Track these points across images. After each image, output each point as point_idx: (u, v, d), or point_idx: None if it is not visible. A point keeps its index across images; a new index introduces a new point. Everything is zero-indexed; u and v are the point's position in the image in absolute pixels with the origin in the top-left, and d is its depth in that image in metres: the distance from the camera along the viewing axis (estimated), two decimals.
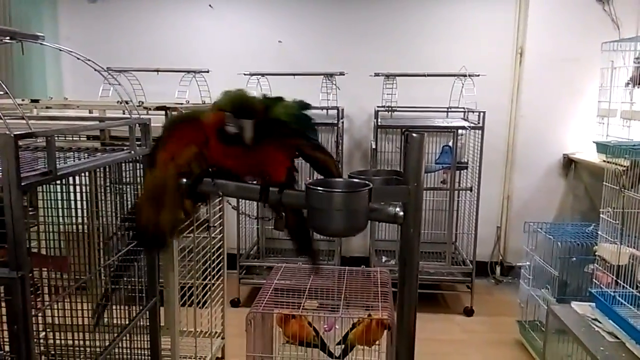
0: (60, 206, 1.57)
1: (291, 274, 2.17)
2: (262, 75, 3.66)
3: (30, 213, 1.78)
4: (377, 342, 1.78)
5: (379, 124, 3.43)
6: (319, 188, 0.98)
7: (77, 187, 1.62)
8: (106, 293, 1.61)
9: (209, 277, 2.47)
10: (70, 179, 1.34)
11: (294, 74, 3.64)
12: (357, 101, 3.96)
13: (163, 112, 1.69)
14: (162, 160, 1.10)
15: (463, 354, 3.12)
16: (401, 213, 1.05)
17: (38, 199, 1.77)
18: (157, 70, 3.75)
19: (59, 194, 1.39)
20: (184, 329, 2.26)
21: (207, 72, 3.73)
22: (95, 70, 2.54)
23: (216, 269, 2.52)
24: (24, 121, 1.61)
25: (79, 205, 1.62)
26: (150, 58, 3.95)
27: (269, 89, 3.87)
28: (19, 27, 3.77)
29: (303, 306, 1.83)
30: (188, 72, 3.71)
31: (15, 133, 1.02)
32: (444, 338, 3.25)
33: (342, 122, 3.91)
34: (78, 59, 1.88)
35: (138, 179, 1.59)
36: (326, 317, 1.84)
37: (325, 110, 3.58)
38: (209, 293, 2.43)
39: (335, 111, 3.54)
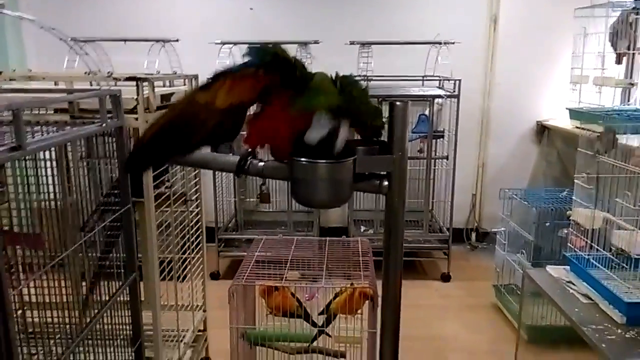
0: (31, 182, 1.51)
1: (271, 245, 2.16)
2: (234, 44, 3.57)
3: None
4: (359, 311, 1.79)
5: None
6: (302, 159, 0.96)
7: (48, 163, 1.56)
8: (95, 271, 1.57)
9: (188, 251, 2.44)
10: (41, 154, 1.28)
11: (266, 43, 3.55)
12: (333, 71, 3.89)
13: (134, 83, 1.62)
14: (219, 91, 0.98)
15: (442, 318, 3.19)
16: (386, 183, 1.05)
17: (7, 175, 1.70)
18: (125, 40, 3.62)
19: (30, 170, 1.33)
20: (165, 303, 2.24)
21: (177, 41, 3.62)
22: (61, 39, 2.43)
23: (195, 243, 2.49)
24: None
25: (49, 181, 1.56)
26: (117, 27, 3.80)
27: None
28: None
29: (285, 277, 1.83)
30: (157, 41, 3.60)
31: None
32: (422, 303, 3.31)
33: None
34: (41, 27, 1.79)
35: (110, 152, 1.54)
36: (309, 288, 1.84)
37: None
38: (188, 267, 2.41)
39: None
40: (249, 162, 1.03)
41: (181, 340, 2.23)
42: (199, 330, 2.48)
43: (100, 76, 1.63)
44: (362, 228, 3.76)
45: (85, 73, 1.71)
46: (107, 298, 1.50)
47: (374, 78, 3.53)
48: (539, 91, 3.98)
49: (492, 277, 3.28)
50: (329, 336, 1.80)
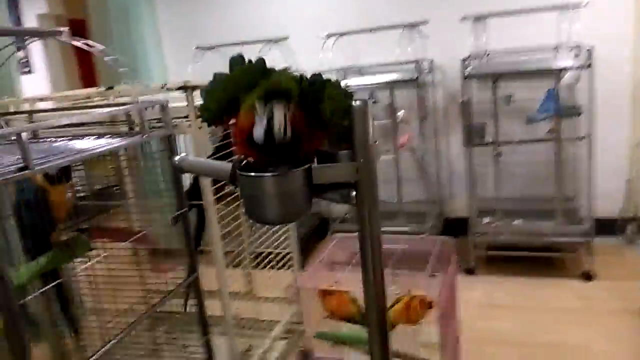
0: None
1: (346, 244, 2.09)
2: (340, 35, 3.51)
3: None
4: (419, 322, 1.64)
5: (466, 73, 3.10)
6: (243, 173, 0.88)
7: None
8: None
9: (282, 245, 2.50)
10: None
11: (370, 29, 3.44)
12: (449, 50, 3.61)
13: (184, 92, 1.69)
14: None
15: (575, 323, 2.77)
16: (353, 193, 0.92)
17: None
18: (242, 43, 3.80)
19: None
20: (259, 295, 2.34)
21: (286, 39, 3.69)
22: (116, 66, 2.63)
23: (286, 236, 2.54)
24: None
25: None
26: (236, 31, 4.01)
27: (355, 50, 3.72)
28: (118, 15, 4.08)
29: (342, 280, 1.76)
30: (268, 41, 3.71)
31: None
32: (554, 306, 2.92)
33: (432, 76, 3.62)
34: (106, 58, 1.95)
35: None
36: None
37: (413, 65, 3.32)
38: (285, 259, 2.47)
39: (418, 65, 3.28)
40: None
41: (268, 330, 2.30)
42: (294, 323, 2.52)
43: (155, 88, 1.73)
44: (485, 219, 3.44)
45: (161, 87, 1.81)
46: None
47: (489, 54, 3.18)
48: None
49: None
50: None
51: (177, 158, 1.10)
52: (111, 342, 1.46)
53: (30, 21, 5.26)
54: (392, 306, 1.66)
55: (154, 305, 1.70)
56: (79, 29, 5.51)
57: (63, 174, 1.73)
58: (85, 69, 5.49)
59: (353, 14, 3.82)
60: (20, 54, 5.24)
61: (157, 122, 1.66)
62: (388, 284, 1.76)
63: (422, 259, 1.91)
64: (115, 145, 1.44)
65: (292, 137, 0.84)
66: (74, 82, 5.69)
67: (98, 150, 1.36)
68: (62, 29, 1.70)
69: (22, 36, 1.73)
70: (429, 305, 1.57)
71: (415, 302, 1.61)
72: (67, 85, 5.51)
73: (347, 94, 0.94)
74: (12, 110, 2.18)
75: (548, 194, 3.34)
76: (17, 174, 1.16)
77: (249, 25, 4.05)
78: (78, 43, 1.57)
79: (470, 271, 3.28)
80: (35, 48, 5.20)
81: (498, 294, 3.05)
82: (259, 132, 0.84)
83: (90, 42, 1.61)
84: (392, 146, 3.41)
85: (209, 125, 0.91)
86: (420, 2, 3.62)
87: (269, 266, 2.43)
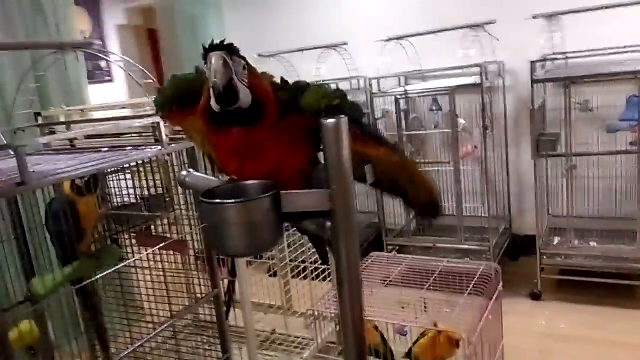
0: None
1: (381, 263, 1.95)
2: (399, 38, 3.34)
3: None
4: None
5: (535, 77, 2.82)
6: (206, 200, 0.78)
7: None
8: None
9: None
10: None
11: (432, 32, 3.24)
12: (520, 51, 3.32)
13: None
14: None
15: None
16: (328, 223, 0.80)
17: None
18: (301, 50, 3.75)
19: None
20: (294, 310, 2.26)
21: (345, 44, 3.58)
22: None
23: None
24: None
25: None
26: (296, 38, 3.94)
27: (416, 54, 3.53)
28: (186, 25, 4.17)
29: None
30: (327, 47, 3.62)
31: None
32: (632, 342, 2.57)
33: (501, 80, 3.36)
34: (125, 70, 1.95)
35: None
36: (386, 323, 1.59)
37: (479, 68, 3.08)
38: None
39: (483, 69, 3.03)
40: None
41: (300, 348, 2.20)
42: (330, 343, 2.40)
43: None
44: (557, 239, 3.12)
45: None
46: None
47: (558, 57, 2.89)
48: None
49: None
50: None
51: (183, 173, 1.03)
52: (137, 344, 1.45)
53: (110, 31, 5.56)
54: (417, 341, 1.50)
55: (179, 312, 1.67)
56: (152, 38, 5.75)
57: (92, 185, 1.73)
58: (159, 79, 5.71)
59: (413, 16, 3.62)
60: (103, 63, 5.56)
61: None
62: (418, 313, 1.60)
63: (464, 284, 1.72)
64: (133, 157, 1.42)
65: (253, 99, 0.75)
66: (150, 91, 5.93)
67: (108, 165, 1.34)
68: (95, 41, 1.71)
69: (62, 49, 1.76)
70: (457, 344, 1.39)
71: (443, 338, 1.44)
72: (143, 94, 5.75)
73: (336, 93, 0.83)
74: (62, 120, 2.26)
75: (629, 212, 2.97)
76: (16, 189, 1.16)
77: (309, 32, 3.97)
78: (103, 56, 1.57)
79: (535, 296, 2.98)
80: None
81: (566, 324, 2.73)
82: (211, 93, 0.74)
83: (116, 56, 1.60)
84: (453, 156, 3.20)
85: (159, 111, 0.91)
86: (485, 1, 3.36)
87: (308, 278, 2.35)
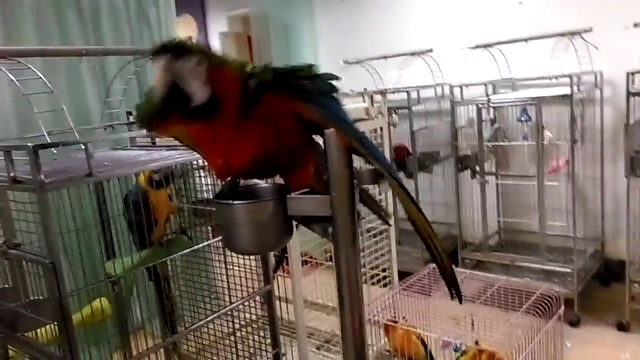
0: None
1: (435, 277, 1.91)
2: (488, 45, 3.23)
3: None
4: None
5: (632, 89, 2.59)
6: (218, 200, 0.84)
7: None
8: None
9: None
10: None
11: (526, 39, 3.09)
12: (618, 61, 3.05)
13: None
14: None
15: None
16: (330, 229, 0.82)
17: None
18: (385, 57, 3.75)
19: None
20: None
21: (430, 51, 3.52)
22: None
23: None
24: None
25: None
26: (382, 45, 3.94)
27: (505, 62, 3.39)
28: (279, 33, 4.34)
29: (404, 317, 1.61)
30: (412, 54, 3.59)
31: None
32: None
33: (599, 92, 3.12)
34: None
35: None
36: (428, 336, 1.57)
37: (575, 78, 2.90)
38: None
39: (575, 79, 2.85)
40: None
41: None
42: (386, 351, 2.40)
43: None
44: None
45: None
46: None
47: None
48: None
49: None
50: None
51: None
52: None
53: (214, 37, 5.93)
54: (458, 358, 1.47)
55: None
56: (251, 44, 6.04)
57: (165, 179, 1.89)
58: None
59: (501, 23, 3.48)
60: None
61: None
62: (466, 329, 1.56)
63: (520, 304, 1.65)
64: (184, 158, 1.53)
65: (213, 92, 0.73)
66: None
67: (174, 161, 1.47)
68: None
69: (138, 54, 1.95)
70: None
71: (485, 357, 1.39)
72: None
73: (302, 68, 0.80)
74: None
75: None
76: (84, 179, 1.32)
77: (395, 39, 3.95)
78: None
79: (622, 327, 2.73)
80: None
81: None
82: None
83: None
84: (538, 170, 3.03)
85: (139, 122, 0.87)
86: (581, 8, 3.14)
87: (370, 282, 2.37)
